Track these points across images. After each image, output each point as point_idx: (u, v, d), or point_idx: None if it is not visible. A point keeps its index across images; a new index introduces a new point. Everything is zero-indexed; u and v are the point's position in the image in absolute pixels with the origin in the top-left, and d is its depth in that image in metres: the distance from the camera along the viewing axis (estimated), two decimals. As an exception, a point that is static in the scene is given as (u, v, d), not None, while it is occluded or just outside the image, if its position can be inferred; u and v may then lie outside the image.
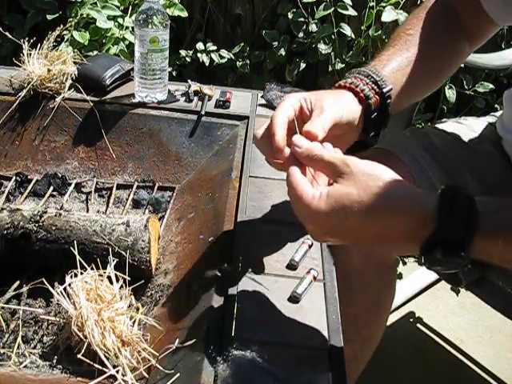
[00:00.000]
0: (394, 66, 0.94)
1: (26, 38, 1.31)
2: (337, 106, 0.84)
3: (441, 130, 1.17)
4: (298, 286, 0.83)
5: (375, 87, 0.90)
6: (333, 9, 2.19)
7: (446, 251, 0.70)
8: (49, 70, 1.28)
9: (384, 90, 0.90)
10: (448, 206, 0.70)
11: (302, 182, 0.74)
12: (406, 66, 0.95)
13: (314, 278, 0.84)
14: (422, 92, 1.02)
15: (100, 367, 0.76)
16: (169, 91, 1.33)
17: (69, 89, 1.31)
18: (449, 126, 1.20)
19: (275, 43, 2.31)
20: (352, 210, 0.71)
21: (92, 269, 0.86)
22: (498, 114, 1.23)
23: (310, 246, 0.90)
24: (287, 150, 0.78)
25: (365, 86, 0.89)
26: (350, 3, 2.19)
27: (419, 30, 1.00)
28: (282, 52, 2.31)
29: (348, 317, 0.97)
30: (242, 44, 2.37)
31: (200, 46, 2.33)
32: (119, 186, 1.23)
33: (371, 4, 2.15)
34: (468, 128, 1.18)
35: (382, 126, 0.93)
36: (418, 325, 1.86)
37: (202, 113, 1.28)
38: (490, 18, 1.02)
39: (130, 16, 1.99)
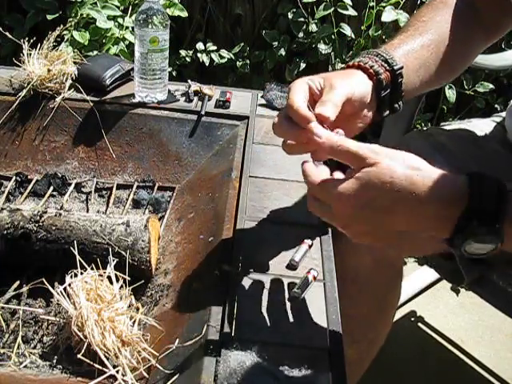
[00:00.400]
0: (406, 48, 0.93)
1: (26, 38, 1.31)
2: (347, 82, 0.83)
3: (446, 130, 1.17)
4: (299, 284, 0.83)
5: (385, 64, 0.89)
6: (333, 9, 2.19)
7: (481, 222, 0.68)
8: (49, 70, 1.28)
9: (395, 68, 0.89)
10: (479, 183, 0.70)
11: (323, 169, 0.74)
12: (418, 50, 0.94)
13: (314, 278, 0.84)
14: (434, 80, 1.00)
15: (100, 367, 0.76)
16: (169, 91, 1.33)
17: (69, 89, 1.31)
18: (454, 126, 1.20)
19: (275, 43, 2.31)
20: (383, 189, 0.70)
21: (92, 269, 0.86)
22: (504, 114, 1.22)
23: (310, 246, 0.90)
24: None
25: (374, 63, 0.88)
26: (350, 3, 2.19)
27: (433, 18, 0.99)
28: (282, 52, 2.31)
29: (354, 318, 0.96)
30: (242, 44, 2.37)
31: (200, 46, 2.33)
32: (119, 186, 1.23)
33: (371, 4, 2.15)
34: (474, 128, 1.18)
35: (395, 107, 0.92)
36: (418, 325, 1.86)
37: (202, 113, 1.28)
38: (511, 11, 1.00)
39: (130, 16, 2.00)
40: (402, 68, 0.90)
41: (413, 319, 1.88)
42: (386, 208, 0.71)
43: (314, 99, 0.82)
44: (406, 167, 0.71)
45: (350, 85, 0.83)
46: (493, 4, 1.01)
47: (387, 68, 0.89)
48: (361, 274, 1.09)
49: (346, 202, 0.71)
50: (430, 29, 0.97)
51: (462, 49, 1.02)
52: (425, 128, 2.29)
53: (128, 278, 0.87)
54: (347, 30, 2.23)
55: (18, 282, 0.95)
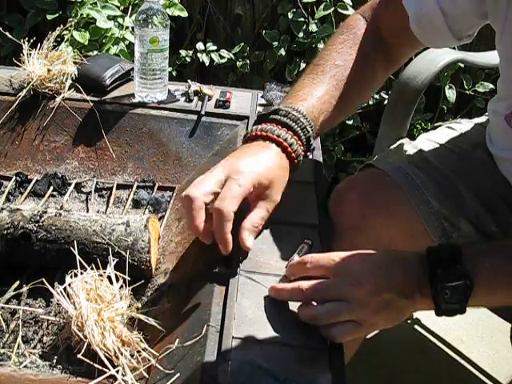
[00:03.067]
0: (312, 101, 0.97)
1: (26, 38, 1.31)
2: (279, 194, 0.90)
3: (432, 140, 1.16)
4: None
5: (304, 141, 0.94)
6: (333, 9, 2.19)
7: (444, 267, 0.76)
8: (49, 70, 1.28)
9: (310, 139, 0.94)
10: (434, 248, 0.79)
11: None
12: (323, 99, 0.99)
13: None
14: (338, 117, 1.06)
15: (100, 367, 0.76)
16: (169, 91, 1.33)
17: (69, 89, 1.31)
18: (441, 133, 1.18)
19: (275, 43, 2.31)
20: (365, 257, 0.80)
21: (92, 269, 0.86)
22: None
23: (310, 246, 0.90)
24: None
25: (300, 147, 0.93)
26: (350, 3, 2.19)
27: (338, 59, 1.02)
28: (282, 52, 2.31)
29: None
30: (242, 44, 2.37)
31: (200, 46, 2.33)
32: (119, 186, 1.23)
33: (371, 4, 2.15)
34: (460, 134, 1.17)
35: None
36: (418, 325, 1.86)
37: (202, 113, 1.28)
38: (417, 43, 1.04)
39: (130, 16, 2.00)
40: (312, 128, 0.95)
41: (412, 319, 1.88)
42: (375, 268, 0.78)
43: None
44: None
45: (278, 196, 0.90)
46: (400, 37, 1.03)
47: (304, 143, 0.94)
48: None
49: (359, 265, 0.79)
50: (336, 73, 1.01)
51: (364, 89, 1.07)
52: (425, 126, 2.29)
53: (128, 278, 0.87)
54: (347, 30, 2.23)
55: (17, 282, 0.95)
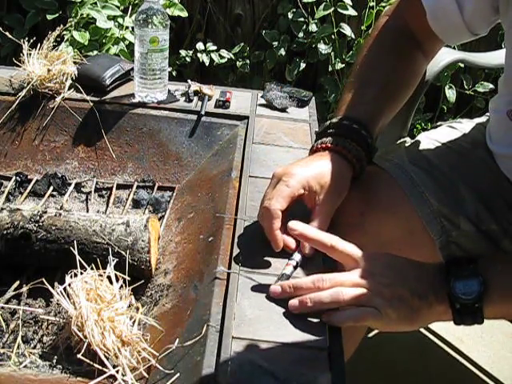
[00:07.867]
0: (369, 111, 0.99)
1: (26, 38, 1.32)
2: (336, 199, 0.91)
3: (433, 138, 1.16)
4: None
5: (364, 145, 0.95)
6: (333, 9, 2.19)
7: (458, 265, 0.79)
8: (49, 70, 1.28)
9: (368, 141, 0.96)
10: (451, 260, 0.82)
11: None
12: (376, 107, 1.01)
13: (295, 268, 0.85)
14: (388, 119, 1.07)
15: (100, 367, 0.76)
16: (169, 91, 1.33)
17: (69, 89, 1.31)
18: (441, 132, 1.18)
19: (275, 43, 2.32)
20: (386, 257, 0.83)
21: (92, 269, 0.86)
22: None
23: (295, 267, 0.86)
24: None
25: (361, 152, 0.94)
26: (350, 3, 2.20)
27: (381, 63, 1.04)
28: (282, 52, 2.31)
29: None
30: (242, 44, 2.37)
31: (200, 46, 2.33)
32: (119, 186, 1.23)
33: (371, 4, 2.16)
34: (461, 133, 1.17)
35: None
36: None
37: (202, 113, 1.28)
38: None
39: (130, 16, 2.00)
40: (367, 131, 0.96)
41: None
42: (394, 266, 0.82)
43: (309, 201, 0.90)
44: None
45: (338, 200, 0.91)
46: (431, 33, 1.05)
47: (367, 152, 0.95)
48: None
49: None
50: (380, 78, 1.03)
51: (407, 85, 1.08)
52: (425, 127, 2.30)
53: (128, 278, 0.87)
54: (347, 30, 2.24)
55: (17, 282, 0.95)
